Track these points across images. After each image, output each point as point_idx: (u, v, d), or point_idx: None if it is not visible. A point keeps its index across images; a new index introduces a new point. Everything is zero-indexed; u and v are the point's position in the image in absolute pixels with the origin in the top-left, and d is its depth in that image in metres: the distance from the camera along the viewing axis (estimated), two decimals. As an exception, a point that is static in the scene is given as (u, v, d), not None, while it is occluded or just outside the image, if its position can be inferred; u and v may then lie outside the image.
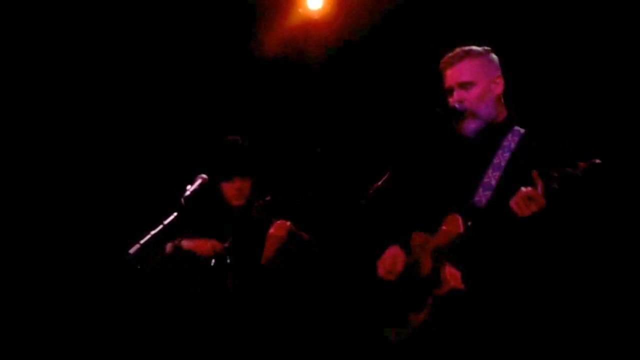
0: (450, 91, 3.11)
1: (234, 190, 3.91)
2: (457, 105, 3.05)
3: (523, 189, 2.71)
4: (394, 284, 3.14)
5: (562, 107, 4.17)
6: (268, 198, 4.03)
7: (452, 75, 3.10)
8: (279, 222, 3.83)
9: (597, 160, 2.65)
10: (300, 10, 5.06)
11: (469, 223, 2.93)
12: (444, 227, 3.01)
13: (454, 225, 2.97)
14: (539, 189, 2.67)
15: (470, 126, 3.06)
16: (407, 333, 3.03)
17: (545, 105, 4.10)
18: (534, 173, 2.70)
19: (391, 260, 3.15)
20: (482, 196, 2.98)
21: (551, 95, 4.29)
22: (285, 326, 4.14)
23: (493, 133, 3.06)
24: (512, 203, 2.74)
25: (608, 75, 4.26)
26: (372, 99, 5.01)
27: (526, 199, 2.70)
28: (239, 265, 3.82)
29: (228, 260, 3.77)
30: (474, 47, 3.13)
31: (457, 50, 3.13)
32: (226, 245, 3.78)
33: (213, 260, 3.77)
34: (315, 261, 4.16)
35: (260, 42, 5.09)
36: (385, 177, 3.15)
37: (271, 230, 3.83)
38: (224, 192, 3.93)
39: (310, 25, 5.08)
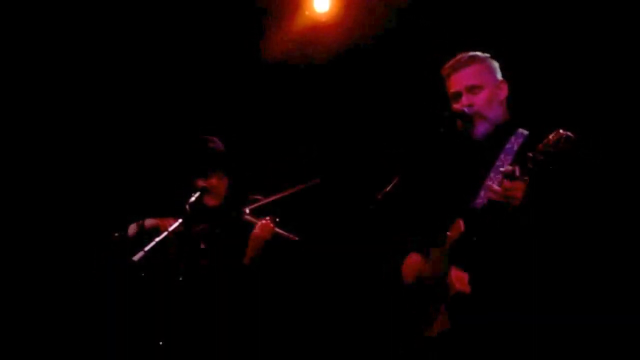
0: (457, 96, 3.13)
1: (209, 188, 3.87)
2: (466, 109, 3.09)
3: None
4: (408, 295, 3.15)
5: (563, 109, 4.12)
6: (259, 198, 3.99)
7: (459, 79, 3.13)
8: (263, 223, 3.81)
9: (561, 130, 2.69)
10: (307, 12, 5.04)
11: (469, 224, 2.94)
12: (448, 234, 3.02)
13: (457, 229, 2.98)
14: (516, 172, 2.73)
15: (480, 129, 3.10)
16: (421, 344, 3.01)
17: (545, 107, 4.05)
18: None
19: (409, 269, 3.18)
20: (483, 198, 2.98)
21: (551, 98, 4.24)
22: (270, 328, 4.12)
23: (497, 136, 3.09)
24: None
25: (608, 76, 4.20)
26: (378, 102, 4.98)
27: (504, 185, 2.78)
28: (217, 266, 3.80)
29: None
30: (478, 53, 3.18)
31: (461, 55, 3.17)
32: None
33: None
34: (301, 263, 4.16)
35: (267, 44, 5.07)
36: (394, 181, 3.14)
37: (255, 231, 3.81)
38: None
39: (317, 28, 5.05)
